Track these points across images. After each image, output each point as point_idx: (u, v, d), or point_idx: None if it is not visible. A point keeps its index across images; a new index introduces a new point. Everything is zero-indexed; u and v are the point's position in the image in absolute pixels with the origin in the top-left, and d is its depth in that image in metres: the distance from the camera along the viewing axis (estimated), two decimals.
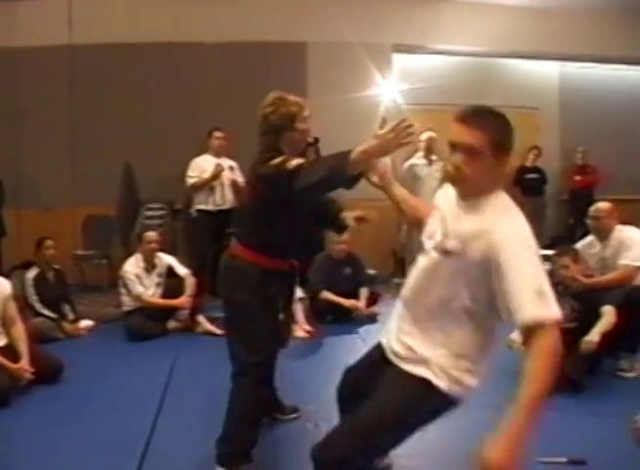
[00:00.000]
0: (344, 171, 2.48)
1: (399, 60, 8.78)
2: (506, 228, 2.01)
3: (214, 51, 8.12)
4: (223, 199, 6.92)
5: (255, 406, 3.07)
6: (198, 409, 3.88)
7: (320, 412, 3.68)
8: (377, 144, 2.34)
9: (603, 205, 5.02)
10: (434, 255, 2.16)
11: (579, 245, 5.14)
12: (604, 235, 4.90)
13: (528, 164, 9.37)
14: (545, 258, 6.08)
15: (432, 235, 2.22)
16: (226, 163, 6.97)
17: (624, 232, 4.85)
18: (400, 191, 2.79)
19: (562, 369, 3.99)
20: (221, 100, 7.91)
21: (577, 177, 9.35)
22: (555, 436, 3.15)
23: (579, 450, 2.97)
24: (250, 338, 3.00)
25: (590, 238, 5.08)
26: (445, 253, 2.09)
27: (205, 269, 6.66)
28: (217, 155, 6.97)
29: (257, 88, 7.60)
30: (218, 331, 5.47)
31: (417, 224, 2.53)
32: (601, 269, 4.87)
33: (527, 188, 9.23)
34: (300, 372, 4.54)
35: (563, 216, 9.38)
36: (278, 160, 2.83)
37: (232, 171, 6.99)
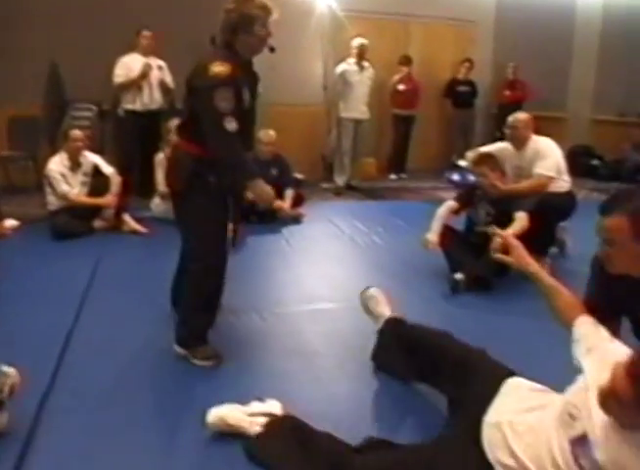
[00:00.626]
0: (240, 178, 2.99)
1: None
2: None
3: None
4: (151, 99, 6.78)
5: (208, 292, 3.15)
6: (121, 304, 3.91)
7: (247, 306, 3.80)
8: (261, 190, 2.96)
9: (521, 115, 5.11)
10: None
11: (493, 148, 5.23)
12: (520, 144, 4.99)
13: (460, 76, 9.45)
14: (465, 168, 6.32)
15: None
16: (155, 62, 6.79)
17: (540, 143, 4.96)
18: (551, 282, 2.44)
19: (473, 270, 4.31)
20: None
21: (507, 92, 9.45)
22: (462, 329, 3.36)
23: (481, 342, 3.08)
24: (200, 228, 3.06)
25: (505, 144, 5.16)
26: None
27: (132, 169, 6.65)
28: (145, 54, 6.77)
29: None
30: (144, 230, 5.49)
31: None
32: (515, 178, 4.99)
33: (458, 100, 9.45)
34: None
35: (490, 130, 9.46)
36: (216, 70, 2.85)
37: (160, 71, 6.82)
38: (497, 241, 2.63)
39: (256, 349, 3.27)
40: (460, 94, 9.42)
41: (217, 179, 3.00)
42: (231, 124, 2.84)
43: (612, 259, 2.10)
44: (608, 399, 1.63)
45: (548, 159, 4.88)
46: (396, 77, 8.90)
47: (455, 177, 7.76)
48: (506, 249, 2.51)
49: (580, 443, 1.76)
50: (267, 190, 3.00)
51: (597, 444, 1.69)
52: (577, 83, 10.39)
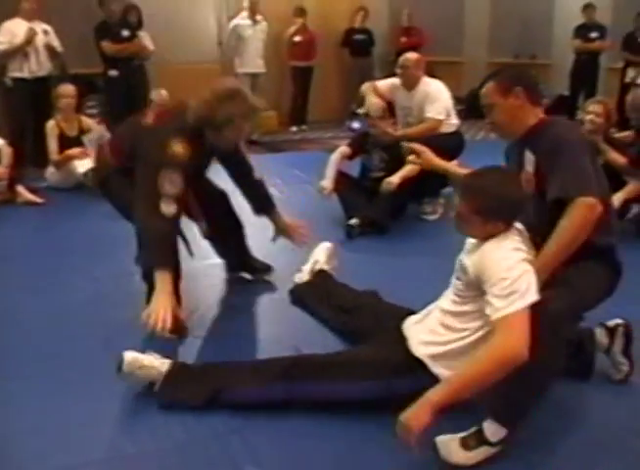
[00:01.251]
0: (145, 257, 2.86)
1: None
2: None
3: None
4: (39, 65, 6.55)
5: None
6: (15, 277, 3.87)
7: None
8: (165, 292, 2.65)
9: (411, 55, 5.18)
10: None
11: (383, 83, 5.30)
12: (411, 85, 5.05)
13: (357, 25, 9.50)
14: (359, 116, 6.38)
15: None
16: (39, 26, 6.56)
17: (430, 85, 5.04)
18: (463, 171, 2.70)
19: (368, 214, 4.42)
20: None
21: (403, 38, 9.51)
22: (358, 272, 3.53)
23: (378, 283, 3.22)
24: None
25: (397, 82, 5.21)
26: None
27: (24, 138, 6.46)
28: (29, 19, 6.53)
29: None
30: (39, 200, 5.38)
31: None
32: (404, 117, 5.11)
33: (356, 49, 9.49)
34: (121, 232, 4.45)
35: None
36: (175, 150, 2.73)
37: (46, 35, 6.59)
38: (406, 147, 2.86)
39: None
40: (357, 43, 9.46)
41: None
42: (168, 208, 2.71)
43: (496, 125, 2.48)
44: (456, 220, 2.21)
45: (438, 102, 4.98)
46: (292, 29, 8.88)
47: (355, 125, 7.98)
48: (416, 154, 2.78)
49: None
50: (163, 301, 2.62)
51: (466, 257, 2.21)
52: (472, 27, 10.50)
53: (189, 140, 2.77)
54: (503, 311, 1.96)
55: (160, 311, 2.54)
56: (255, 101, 2.89)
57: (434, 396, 1.89)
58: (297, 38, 8.88)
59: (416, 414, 1.86)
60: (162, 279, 2.68)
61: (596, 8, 9.09)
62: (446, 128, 5.04)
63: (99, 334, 3.03)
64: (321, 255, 3.44)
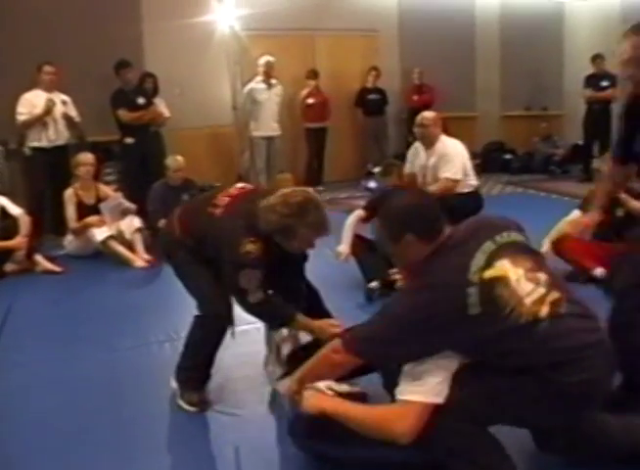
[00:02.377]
0: (274, 324, 3.10)
1: None
2: None
3: None
4: (57, 134, 6.64)
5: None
6: (36, 350, 3.83)
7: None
8: (305, 325, 2.94)
9: (428, 113, 5.20)
10: None
11: (409, 153, 5.33)
12: (429, 143, 5.05)
13: (369, 85, 9.58)
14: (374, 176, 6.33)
15: None
16: (58, 97, 6.68)
17: (447, 146, 5.04)
18: None
19: (387, 276, 4.34)
20: (50, 30, 7.45)
21: (415, 97, 9.60)
22: None
23: None
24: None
25: (416, 144, 5.26)
26: None
27: (43, 207, 6.51)
28: (48, 90, 6.65)
29: (89, 16, 7.42)
30: (58, 269, 5.39)
31: None
32: (422, 177, 5.10)
33: (369, 108, 9.57)
34: (140, 300, 4.57)
35: (403, 135, 9.49)
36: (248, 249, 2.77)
37: (65, 105, 6.70)
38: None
39: (166, 380, 3.14)
40: (370, 102, 9.55)
41: None
42: (255, 297, 2.82)
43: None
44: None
45: (453, 161, 4.95)
46: (305, 92, 8.97)
47: (372, 184, 7.88)
48: None
49: None
50: (314, 324, 2.92)
51: None
52: (483, 83, 10.61)
53: (260, 239, 2.80)
54: (406, 396, 2.05)
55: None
56: (325, 213, 2.88)
57: (329, 404, 2.20)
58: (311, 100, 8.97)
59: (314, 401, 2.22)
60: (301, 321, 2.93)
61: (605, 58, 9.16)
62: (464, 188, 5.01)
63: (113, 412, 2.97)
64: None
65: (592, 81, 9.21)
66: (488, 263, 2.02)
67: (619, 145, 2.93)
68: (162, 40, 7.76)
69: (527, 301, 2.00)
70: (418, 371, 2.06)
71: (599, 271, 4.39)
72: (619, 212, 4.50)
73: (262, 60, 8.04)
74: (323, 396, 2.27)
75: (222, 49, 8.30)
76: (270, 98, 8.07)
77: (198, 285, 3.01)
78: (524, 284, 2.02)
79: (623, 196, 4.42)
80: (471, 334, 2.00)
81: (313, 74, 9.00)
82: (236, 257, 2.79)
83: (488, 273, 2.00)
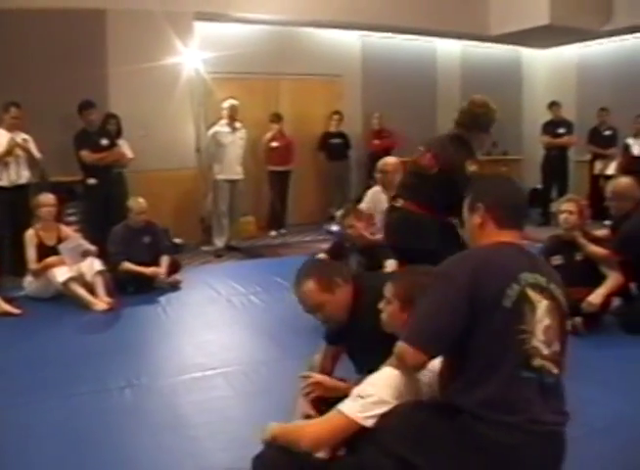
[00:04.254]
0: None
1: (202, 28, 8.54)
2: None
3: (8, 18, 7.50)
4: (18, 174, 6.57)
5: None
6: None
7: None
8: None
9: (390, 159, 5.35)
10: None
11: (368, 195, 5.45)
12: (391, 189, 5.02)
13: (332, 129, 9.70)
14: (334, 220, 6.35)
15: None
16: (19, 136, 6.62)
17: None
18: None
19: None
20: (16, 70, 7.44)
21: (376, 141, 9.72)
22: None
23: None
24: None
25: (376, 188, 5.39)
26: None
27: (2, 247, 6.43)
28: (10, 130, 6.64)
29: (55, 57, 7.42)
30: (16, 311, 5.29)
31: None
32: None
33: (332, 153, 9.67)
34: (100, 344, 4.52)
35: (365, 179, 9.52)
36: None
37: (26, 143, 6.64)
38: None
39: (126, 427, 3.16)
40: (333, 146, 9.66)
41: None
42: None
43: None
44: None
45: None
46: (268, 135, 9.02)
47: (334, 228, 7.93)
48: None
49: None
50: None
51: None
52: (445, 128, 10.35)
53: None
54: (339, 406, 2.10)
55: None
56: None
57: (277, 429, 2.19)
58: (275, 144, 9.03)
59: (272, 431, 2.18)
60: None
61: (561, 105, 9.47)
62: None
63: (74, 458, 2.91)
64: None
65: (549, 128, 9.52)
66: (531, 286, 2.02)
67: None
68: (127, 82, 7.78)
69: (537, 342, 1.97)
70: (366, 394, 2.09)
71: None
72: (578, 257, 4.61)
73: (226, 103, 8.10)
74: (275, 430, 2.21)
75: (187, 91, 8.31)
76: (234, 141, 8.10)
77: None
78: (540, 331, 1.98)
79: (582, 240, 4.55)
80: (487, 323, 1.97)
81: (277, 118, 9.09)
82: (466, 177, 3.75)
83: (529, 290, 2.00)
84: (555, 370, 1.99)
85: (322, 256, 4.79)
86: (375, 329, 2.33)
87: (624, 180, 4.90)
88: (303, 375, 2.65)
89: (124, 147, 7.44)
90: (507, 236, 2.16)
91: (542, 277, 2.06)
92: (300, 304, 2.59)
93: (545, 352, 1.97)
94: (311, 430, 2.13)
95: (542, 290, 2.04)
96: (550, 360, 1.98)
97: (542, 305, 2.01)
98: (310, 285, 2.54)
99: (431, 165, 3.99)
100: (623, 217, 4.73)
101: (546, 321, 2.00)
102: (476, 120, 3.95)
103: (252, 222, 9.03)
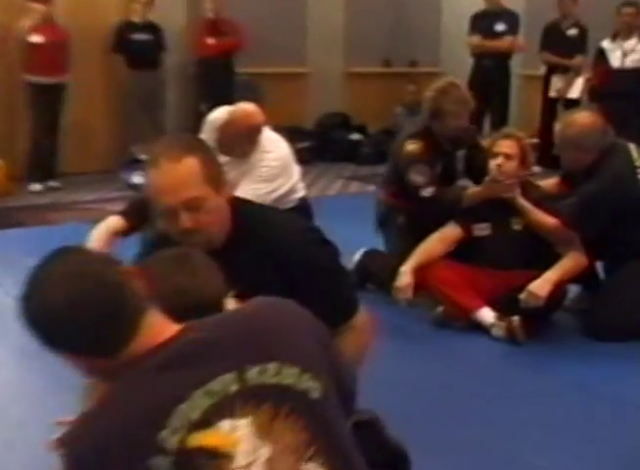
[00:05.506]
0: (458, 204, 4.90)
1: None
2: None
3: None
4: None
5: None
6: None
7: None
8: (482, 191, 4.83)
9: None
10: None
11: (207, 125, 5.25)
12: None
13: (136, 18, 9.18)
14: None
15: None
16: None
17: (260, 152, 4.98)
18: None
19: None
20: None
21: (210, 40, 9.36)
22: None
23: None
24: None
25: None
26: None
27: None
28: None
29: None
30: None
31: None
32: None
33: (136, 56, 9.16)
34: None
35: (190, 101, 9.49)
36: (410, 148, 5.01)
37: None
38: None
39: None
40: (137, 46, 9.15)
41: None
42: (426, 191, 4.84)
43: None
44: None
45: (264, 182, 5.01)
46: (27, 23, 8.35)
47: (137, 180, 7.72)
48: None
49: None
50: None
51: None
52: (318, 23, 10.62)
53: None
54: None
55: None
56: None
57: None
58: (38, 38, 8.38)
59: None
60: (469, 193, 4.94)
61: None
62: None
63: None
64: None
65: (482, 23, 9.32)
66: (206, 421, 1.69)
67: None
68: None
69: None
70: None
71: (486, 314, 4.50)
72: (516, 226, 4.79)
73: None
74: None
75: None
76: None
77: None
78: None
79: (522, 202, 4.71)
80: None
81: None
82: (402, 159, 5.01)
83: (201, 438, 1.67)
84: None
85: (114, 219, 4.36)
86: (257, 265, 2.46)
87: (583, 117, 4.86)
88: None
89: None
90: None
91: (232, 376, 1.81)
92: (162, 196, 2.41)
93: None
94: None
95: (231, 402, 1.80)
96: None
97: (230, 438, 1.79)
98: (193, 164, 2.41)
99: None
100: (583, 174, 4.76)
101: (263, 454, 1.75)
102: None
103: (2, 169, 8.53)
